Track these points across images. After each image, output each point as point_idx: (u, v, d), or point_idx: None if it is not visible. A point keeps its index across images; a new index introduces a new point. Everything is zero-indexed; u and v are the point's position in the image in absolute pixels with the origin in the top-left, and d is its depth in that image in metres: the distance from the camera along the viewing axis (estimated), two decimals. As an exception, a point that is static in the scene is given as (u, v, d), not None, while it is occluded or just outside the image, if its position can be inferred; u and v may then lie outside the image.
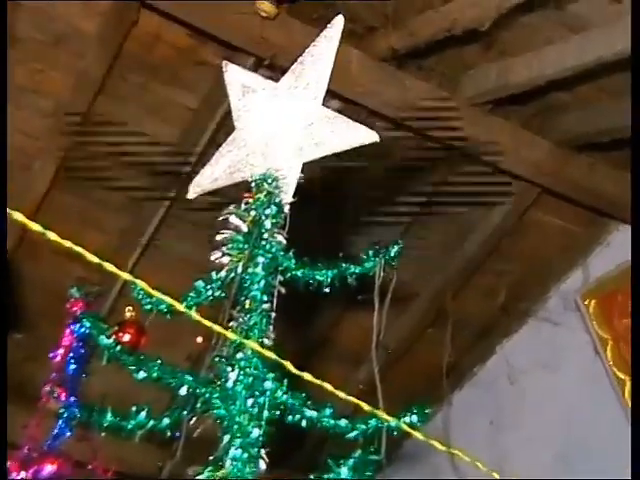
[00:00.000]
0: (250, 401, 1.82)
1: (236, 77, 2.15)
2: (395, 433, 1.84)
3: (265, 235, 1.98)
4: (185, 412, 1.88)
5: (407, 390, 4.71)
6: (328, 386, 1.66)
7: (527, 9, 3.35)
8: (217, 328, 1.68)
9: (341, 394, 1.69)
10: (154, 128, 4.01)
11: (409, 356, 4.99)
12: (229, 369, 1.87)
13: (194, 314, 1.64)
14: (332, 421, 1.86)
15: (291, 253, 1.99)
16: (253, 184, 2.06)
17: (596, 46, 3.34)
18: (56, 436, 2.01)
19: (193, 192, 2.17)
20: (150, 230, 4.28)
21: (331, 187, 3.93)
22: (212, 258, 2.02)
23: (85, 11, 3.62)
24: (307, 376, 1.66)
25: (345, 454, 1.88)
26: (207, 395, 1.86)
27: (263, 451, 1.81)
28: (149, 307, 1.92)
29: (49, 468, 2.12)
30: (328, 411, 1.85)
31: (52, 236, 1.23)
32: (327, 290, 2.00)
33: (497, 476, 1.86)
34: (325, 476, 1.84)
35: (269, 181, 2.03)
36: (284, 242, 2.00)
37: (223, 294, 1.98)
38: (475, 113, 3.91)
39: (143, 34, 3.70)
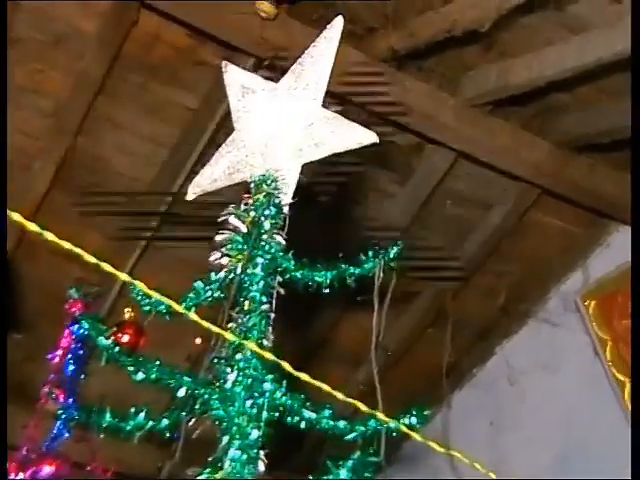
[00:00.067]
0: (249, 402, 1.82)
1: (236, 78, 2.15)
2: (394, 434, 1.84)
3: (264, 236, 1.98)
4: (184, 413, 1.87)
5: (407, 391, 4.71)
6: (327, 387, 1.66)
7: (527, 10, 3.35)
8: (216, 329, 1.67)
9: (340, 395, 1.69)
10: (154, 128, 4.00)
11: (409, 357, 4.99)
12: (228, 370, 1.86)
13: (193, 315, 1.63)
14: (331, 422, 1.85)
15: (290, 254, 1.98)
16: (252, 185, 2.06)
17: (596, 47, 3.34)
18: (54, 437, 2.01)
19: (192, 193, 2.16)
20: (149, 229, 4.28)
21: (330, 187, 3.95)
22: (211, 259, 2.01)
23: (85, 11, 3.62)
24: (306, 377, 1.65)
25: (344, 455, 1.88)
26: (206, 396, 1.85)
27: (262, 452, 1.81)
28: (148, 308, 1.91)
29: (47, 469, 2.11)
30: (327, 412, 1.85)
31: (50, 236, 1.22)
32: (326, 291, 2.00)
33: (495, 476, 1.85)
34: (324, 478, 1.84)
35: (268, 182, 2.03)
36: (283, 243, 2.00)
37: (222, 295, 1.98)
38: (475, 114, 3.91)
39: (143, 34, 3.70)
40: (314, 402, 1.86)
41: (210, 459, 1.81)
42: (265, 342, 1.89)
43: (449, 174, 4.34)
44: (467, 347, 5.05)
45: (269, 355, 1.73)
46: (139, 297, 1.89)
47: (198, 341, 1.98)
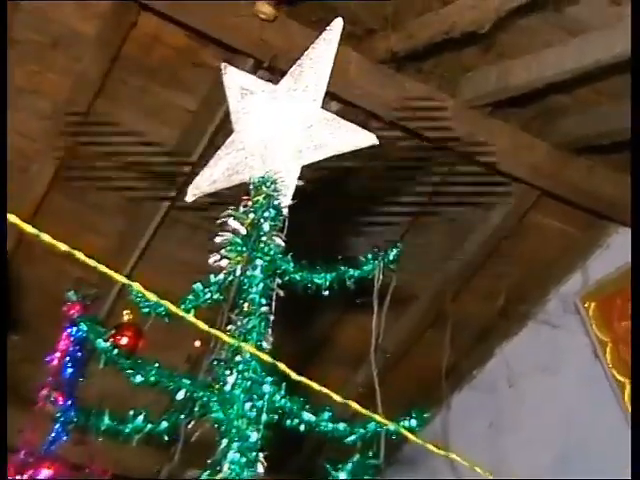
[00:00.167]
0: (248, 405, 1.82)
1: (235, 79, 2.15)
2: (394, 437, 1.84)
3: (264, 238, 1.98)
4: (183, 416, 1.87)
5: (406, 392, 4.71)
6: (326, 390, 1.66)
7: (526, 12, 3.35)
8: (215, 332, 1.67)
9: (339, 398, 1.68)
10: (153, 130, 4.00)
11: (408, 358, 4.98)
12: (227, 373, 1.86)
13: (191, 318, 1.63)
14: (330, 425, 1.85)
15: (289, 256, 1.98)
16: (252, 187, 2.06)
17: (595, 49, 3.33)
18: (52, 440, 2.00)
19: (191, 194, 2.16)
20: (149, 232, 4.27)
21: (330, 189, 3.94)
22: (211, 261, 2.01)
23: (83, 13, 3.61)
24: (305, 380, 1.65)
25: (343, 458, 1.87)
26: (205, 399, 1.85)
27: (261, 455, 1.81)
28: (147, 310, 1.91)
29: (45, 472, 2.11)
30: (326, 415, 1.85)
31: (47, 239, 1.22)
32: (326, 293, 1.99)
33: (493, 477, 1.85)
34: (323, 480, 1.84)
35: (268, 184, 2.03)
36: (283, 245, 1.99)
37: (221, 297, 1.97)
38: (474, 115, 3.91)
39: (142, 36, 3.70)
40: (313, 404, 1.86)
41: (209, 462, 1.81)
42: (264, 344, 1.88)
43: (448, 175, 4.34)
44: (467, 349, 5.05)
45: (268, 358, 1.72)
46: (138, 299, 1.89)
47: (197, 343, 1.97)
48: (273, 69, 3.31)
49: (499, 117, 3.98)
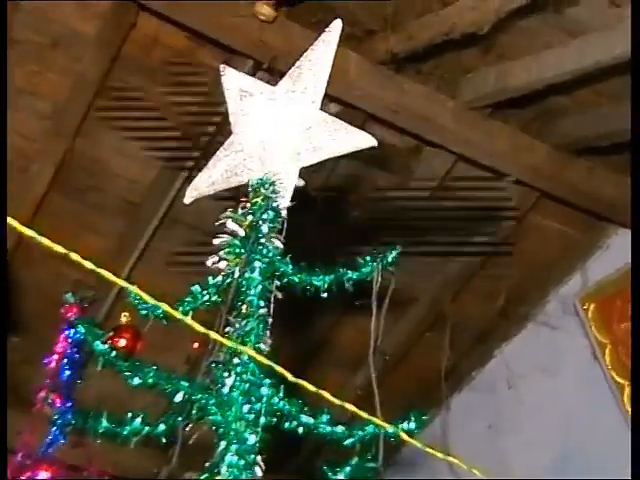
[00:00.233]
0: (246, 407, 1.81)
1: (234, 81, 2.14)
2: (393, 440, 1.83)
3: (262, 240, 1.97)
4: (181, 418, 1.87)
5: (406, 394, 4.71)
6: (325, 393, 1.65)
7: (526, 13, 3.35)
8: (213, 334, 1.66)
9: (337, 401, 1.68)
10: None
11: (408, 360, 4.98)
12: (225, 375, 1.85)
13: (189, 320, 1.62)
14: (329, 428, 1.84)
15: (288, 258, 1.97)
16: (250, 188, 2.05)
17: (595, 50, 3.33)
18: (50, 443, 2.00)
19: (190, 196, 2.16)
20: (148, 233, 4.27)
21: (330, 192, 3.94)
22: (209, 263, 2.01)
23: (83, 13, 3.61)
24: (302, 382, 1.64)
25: (342, 461, 1.87)
26: (203, 401, 1.85)
27: (259, 458, 1.80)
28: (145, 312, 1.90)
29: (43, 475, 2.10)
30: (325, 417, 1.84)
31: (45, 241, 1.21)
32: (324, 295, 1.99)
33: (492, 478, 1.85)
34: (322, 483, 1.83)
35: (266, 185, 2.02)
36: (281, 247, 1.99)
37: (220, 299, 1.97)
38: (474, 117, 3.90)
39: (141, 36, 3.69)
40: (312, 407, 1.86)
41: (207, 464, 1.81)
42: (263, 346, 1.88)
43: (448, 177, 4.34)
44: (466, 350, 5.05)
45: (266, 361, 1.72)
46: (136, 301, 1.89)
47: (195, 345, 1.97)
48: (272, 70, 3.31)
49: (499, 118, 3.97)
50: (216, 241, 2.00)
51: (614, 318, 4.41)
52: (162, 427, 1.87)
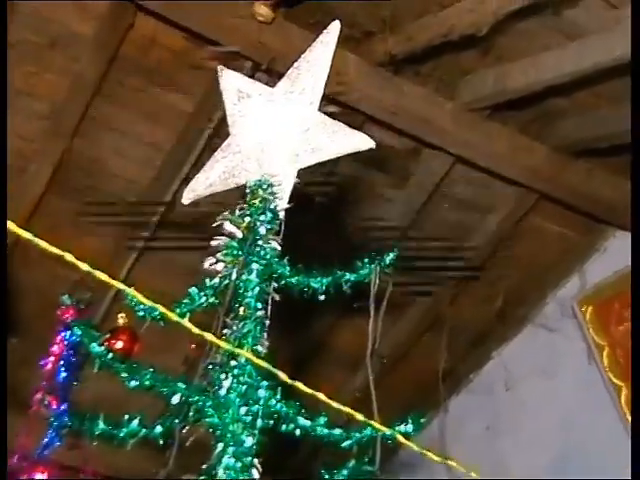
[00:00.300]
0: (243, 409, 1.81)
1: (231, 82, 2.14)
2: (390, 443, 1.83)
3: (260, 242, 1.97)
4: (178, 420, 1.86)
5: (403, 396, 4.70)
6: (322, 396, 1.65)
7: (524, 15, 3.34)
8: (210, 337, 1.66)
9: (335, 404, 1.68)
10: (150, 131, 3.99)
11: (405, 362, 4.97)
12: (222, 377, 1.85)
13: (186, 322, 1.62)
14: (326, 430, 1.84)
15: (286, 260, 1.97)
16: (248, 190, 2.05)
17: (594, 52, 3.33)
18: (46, 445, 1.99)
19: (187, 197, 2.15)
20: (146, 234, 4.26)
21: (328, 193, 3.94)
22: (206, 264, 2.00)
23: (80, 14, 3.60)
24: (299, 385, 1.64)
25: (339, 463, 1.86)
26: (200, 403, 1.84)
27: (256, 460, 1.80)
28: (142, 314, 1.90)
29: (39, 476, 2.10)
30: (322, 420, 1.84)
31: (41, 244, 1.21)
32: (322, 297, 1.98)
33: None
34: (320, 485, 1.83)
35: (264, 187, 2.02)
36: (279, 249, 1.98)
37: (217, 301, 1.96)
38: (473, 118, 3.90)
39: (139, 37, 3.68)
40: (309, 408, 1.85)
41: (204, 466, 1.80)
42: (260, 348, 1.87)
43: (446, 178, 4.33)
44: (464, 352, 5.04)
45: (263, 363, 1.71)
46: (133, 303, 1.88)
47: (193, 347, 1.96)
48: (271, 71, 3.30)
49: (497, 120, 3.97)
50: (214, 243, 2.00)
51: (612, 320, 4.41)
52: (159, 429, 1.87)
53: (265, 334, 1.90)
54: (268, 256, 1.95)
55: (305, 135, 2.04)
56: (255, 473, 1.79)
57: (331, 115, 2.10)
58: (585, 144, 4.07)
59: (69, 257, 1.24)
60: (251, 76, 2.78)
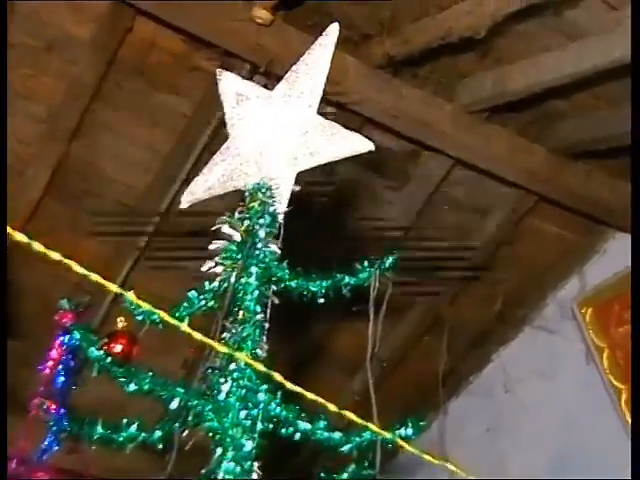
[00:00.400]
0: (243, 413, 1.80)
1: (230, 85, 2.13)
2: (390, 446, 1.82)
3: (259, 245, 1.96)
4: (177, 424, 1.85)
5: (403, 398, 4.70)
6: (321, 400, 1.64)
7: (523, 17, 3.33)
8: (208, 341, 1.65)
9: (334, 408, 1.67)
10: (148, 135, 3.99)
11: (405, 364, 4.97)
12: (222, 381, 1.84)
13: (185, 326, 1.61)
14: (326, 434, 1.83)
15: (285, 263, 1.97)
16: (247, 193, 2.04)
17: (593, 54, 3.32)
18: (44, 450, 1.99)
19: (186, 201, 2.15)
20: (144, 238, 4.25)
21: (327, 196, 3.94)
22: (205, 268, 2.00)
23: (78, 16, 3.60)
24: (298, 389, 1.64)
25: (339, 467, 1.86)
26: (199, 407, 1.84)
27: (256, 464, 1.79)
28: (141, 317, 1.89)
29: (38, 481, 2.10)
30: (322, 424, 1.83)
31: (39, 247, 1.20)
32: (321, 301, 1.98)
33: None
34: (319, 489, 1.83)
35: (263, 190, 2.02)
36: (278, 252, 1.98)
37: (216, 304, 1.96)
38: (471, 120, 3.90)
39: (138, 40, 3.68)
40: (309, 412, 1.85)
41: (203, 471, 1.80)
42: (259, 352, 1.87)
43: (445, 181, 4.33)
44: (463, 354, 5.04)
45: (262, 367, 1.71)
46: (132, 306, 1.88)
47: (192, 350, 1.96)
48: (269, 74, 3.30)
49: (496, 122, 3.97)
50: (212, 246, 1.99)
51: (612, 322, 4.41)
52: (158, 433, 1.87)
53: (264, 338, 1.90)
54: (267, 259, 1.95)
55: (304, 138, 2.03)
56: (255, 477, 1.79)
57: (330, 118, 2.10)
58: (584, 146, 4.06)
59: (67, 262, 1.24)
60: (249, 79, 2.78)
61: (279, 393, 1.81)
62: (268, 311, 1.92)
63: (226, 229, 1.99)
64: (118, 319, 2.00)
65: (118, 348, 1.95)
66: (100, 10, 3.55)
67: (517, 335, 4.97)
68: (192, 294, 1.96)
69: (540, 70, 3.52)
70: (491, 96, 3.76)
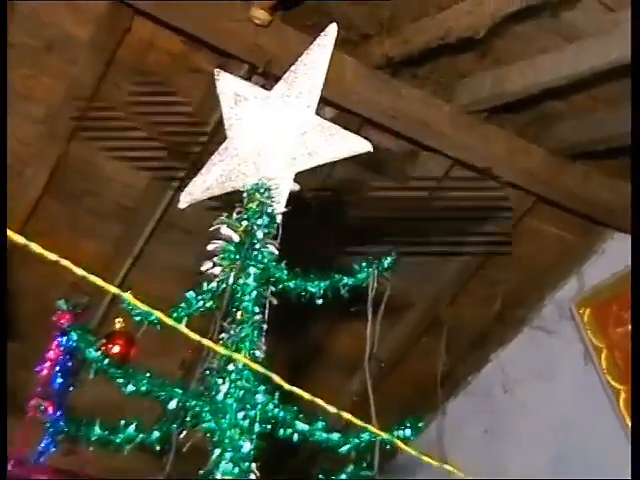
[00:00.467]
0: (241, 414, 1.80)
1: (228, 85, 2.13)
2: (388, 447, 1.82)
3: (257, 245, 1.96)
4: (175, 425, 1.85)
5: (401, 399, 4.70)
6: (319, 401, 1.64)
7: (522, 18, 3.34)
8: (206, 342, 1.65)
9: (333, 409, 1.67)
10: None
11: (404, 365, 4.97)
12: (220, 381, 1.84)
13: (183, 327, 1.61)
14: (324, 435, 1.83)
15: (283, 264, 1.96)
16: (245, 194, 2.04)
17: (591, 55, 3.33)
18: (42, 451, 1.99)
19: (184, 201, 2.15)
20: (143, 238, 4.25)
21: (326, 197, 3.93)
22: (203, 268, 2.00)
23: (77, 17, 3.59)
24: (296, 390, 1.63)
25: (338, 468, 1.86)
26: (197, 408, 1.83)
27: (254, 465, 1.79)
28: (139, 318, 1.89)
29: (37, 481, 2.10)
30: (320, 424, 1.83)
31: (36, 248, 1.20)
32: (320, 301, 1.98)
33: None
34: (318, 490, 1.82)
35: (261, 191, 2.01)
36: (276, 253, 1.98)
37: (214, 305, 1.96)
38: (470, 121, 3.90)
39: (136, 40, 3.68)
40: (307, 412, 1.85)
41: (201, 472, 1.79)
42: (257, 353, 1.87)
43: (444, 181, 4.33)
44: (462, 355, 5.04)
45: (260, 368, 1.71)
46: (130, 307, 1.87)
47: (190, 351, 1.96)
48: (268, 74, 3.30)
49: (495, 123, 3.97)
50: (211, 247, 1.99)
51: (610, 322, 4.41)
52: (156, 434, 1.86)
53: (262, 338, 1.90)
54: (265, 260, 1.94)
55: (302, 138, 2.03)
56: (253, 478, 1.79)
57: (328, 118, 2.09)
58: (582, 147, 4.07)
59: (65, 262, 1.23)
60: (248, 79, 2.78)
61: (277, 394, 1.81)
62: (266, 312, 1.92)
63: (224, 230, 1.98)
64: (116, 320, 2.00)
65: (116, 349, 1.96)
66: (99, 10, 3.55)
67: (516, 335, 4.98)
68: (190, 295, 1.96)
69: (538, 71, 3.53)
70: (490, 97, 3.76)
